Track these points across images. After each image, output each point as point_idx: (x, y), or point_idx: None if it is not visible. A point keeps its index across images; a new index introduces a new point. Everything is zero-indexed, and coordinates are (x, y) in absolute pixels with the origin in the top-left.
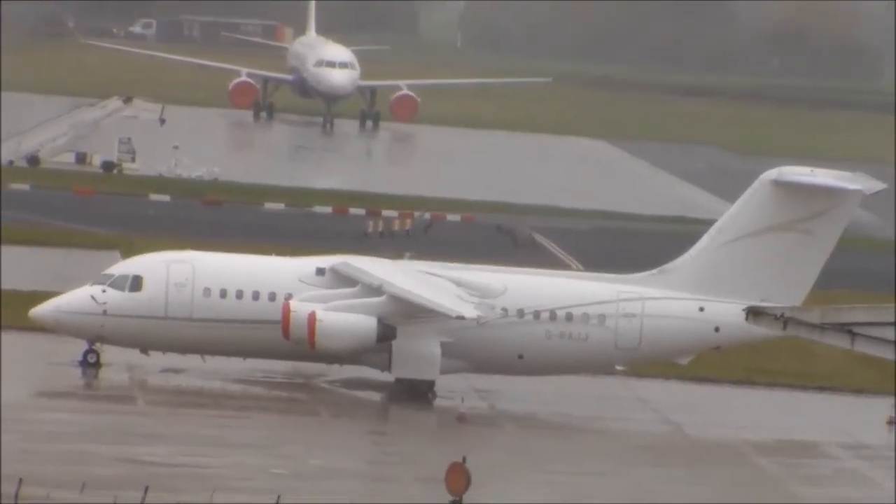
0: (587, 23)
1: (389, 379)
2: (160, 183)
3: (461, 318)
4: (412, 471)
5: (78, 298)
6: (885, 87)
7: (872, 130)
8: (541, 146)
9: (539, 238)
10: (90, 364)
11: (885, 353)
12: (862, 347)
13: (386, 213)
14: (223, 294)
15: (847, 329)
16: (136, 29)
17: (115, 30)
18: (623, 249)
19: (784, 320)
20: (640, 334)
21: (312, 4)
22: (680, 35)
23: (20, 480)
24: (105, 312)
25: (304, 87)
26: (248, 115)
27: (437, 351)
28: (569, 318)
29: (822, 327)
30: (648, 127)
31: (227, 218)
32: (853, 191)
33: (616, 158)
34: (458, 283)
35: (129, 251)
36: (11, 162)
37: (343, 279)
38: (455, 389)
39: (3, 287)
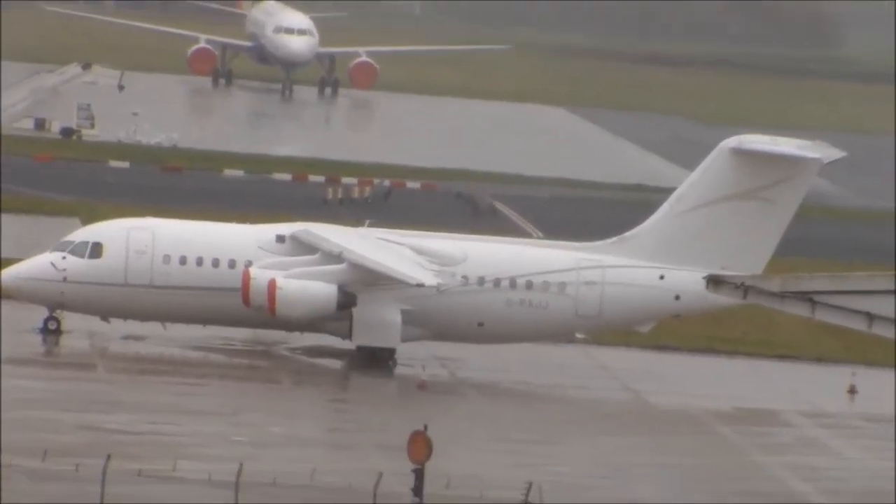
0: None
1: (350, 347)
2: (119, 149)
3: (421, 285)
4: (373, 439)
5: (38, 265)
6: (849, 56)
7: (837, 99)
8: (501, 114)
9: (499, 206)
10: (51, 331)
11: (846, 321)
12: (822, 316)
13: (345, 180)
14: (183, 261)
15: (807, 297)
16: None
17: None
18: (583, 217)
19: (744, 289)
20: (600, 302)
21: None
22: (644, 3)
23: None
24: (65, 279)
25: (262, 54)
26: (206, 81)
27: (398, 319)
28: (529, 286)
29: (783, 296)
30: (610, 95)
31: (186, 185)
32: (812, 159)
33: (576, 127)
34: (419, 251)
35: (89, 218)
36: None
37: (303, 246)
38: (416, 357)
39: None
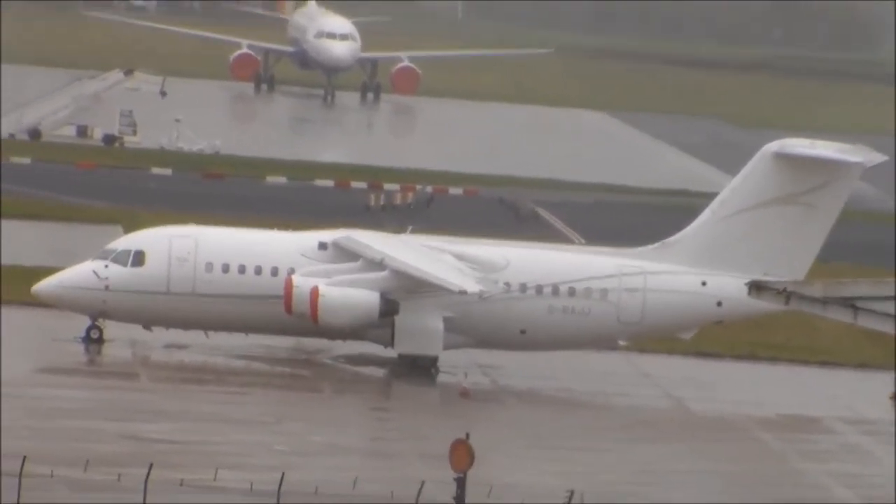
0: None
1: (392, 354)
2: (162, 156)
3: (463, 292)
4: (415, 447)
5: (80, 274)
6: (886, 59)
7: (875, 102)
8: (543, 119)
9: (541, 212)
10: (93, 340)
11: (888, 327)
12: (864, 322)
13: (388, 186)
14: (225, 269)
15: (850, 303)
16: (138, 1)
17: (116, 1)
18: (625, 223)
19: (786, 294)
20: (642, 309)
21: None
22: (683, 6)
23: (24, 458)
24: (107, 288)
25: (304, 59)
26: (249, 87)
27: (440, 326)
28: (571, 292)
29: (825, 301)
30: (651, 99)
31: (228, 192)
32: (854, 163)
33: (618, 131)
34: (461, 258)
35: (131, 226)
36: (12, 135)
37: (345, 253)
38: (458, 365)
39: (5, 262)
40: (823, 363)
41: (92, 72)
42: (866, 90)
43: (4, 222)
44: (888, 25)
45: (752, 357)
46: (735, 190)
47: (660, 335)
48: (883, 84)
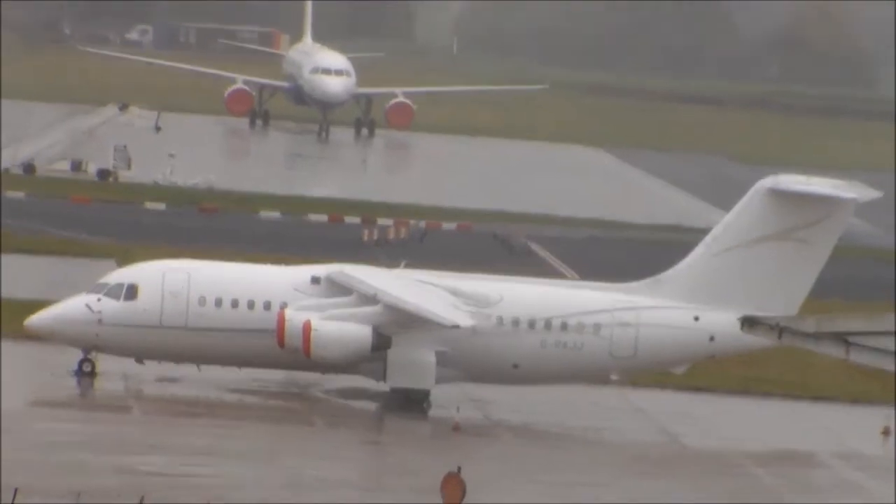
0: (585, 29)
1: (384, 388)
2: (156, 191)
3: (456, 327)
4: (408, 481)
5: (73, 307)
6: (886, 95)
7: (875, 139)
8: (537, 154)
9: (534, 247)
10: (85, 373)
11: (881, 362)
12: (857, 357)
13: (381, 221)
14: (218, 303)
15: (842, 338)
16: (133, 35)
17: (111, 36)
18: (618, 258)
19: (779, 330)
20: (635, 343)
21: (309, 11)
22: (680, 42)
23: (16, 490)
24: (100, 321)
25: (299, 95)
26: (243, 122)
27: (433, 360)
28: (564, 327)
29: (818, 337)
30: (647, 135)
31: (222, 226)
32: (848, 199)
33: (612, 167)
34: (454, 292)
35: (124, 260)
36: (7, 169)
37: (338, 288)
38: (450, 399)
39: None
40: (816, 398)
41: (86, 106)
42: (866, 127)
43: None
44: (888, 62)
45: (745, 392)
46: (729, 226)
47: (653, 370)
48: (883, 121)
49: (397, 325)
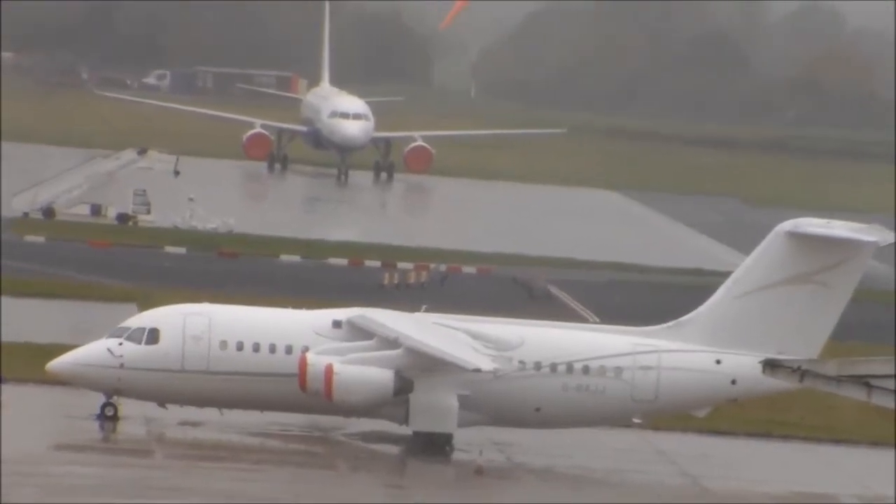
0: (603, 73)
1: (407, 432)
2: (175, 235)
3: (478, 370)
4: None
5: (95, 351)
6: None
7: (892, 182)
8: (556, 198)
9: (555, 290)
10: (108, 417)
11: None
12: (879, 400)
13: (401, 265)
14: (240, 347)
15: (863, 381)
16: (150, 80)
17: (129, 81)
18: (639, 302)
19: (800, 373)
20: (656, 387)
21: (326, 55)
22: (697, 86)
23: None
24: (122, 365)
25: (318, 139)
26: (262, 166)
27: (455, 404)
28: (585, 370)
29: (839, 380)
30: (666, 179)
31: (242, 270)
32: (868, 242)
33: (632, 210)
34: (475, 336)
35: (145, 304)
36: (26, 214)
37: (360, 332)
38: (473, 442)
39: (20, 340)
40: (837, 441)
41: (105, 151)
42: (884, 170)
43: (20, 301)
44: None
45: (766, 435)
46: (749, 269)
47: (674, 413)
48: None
49: (419, 368)
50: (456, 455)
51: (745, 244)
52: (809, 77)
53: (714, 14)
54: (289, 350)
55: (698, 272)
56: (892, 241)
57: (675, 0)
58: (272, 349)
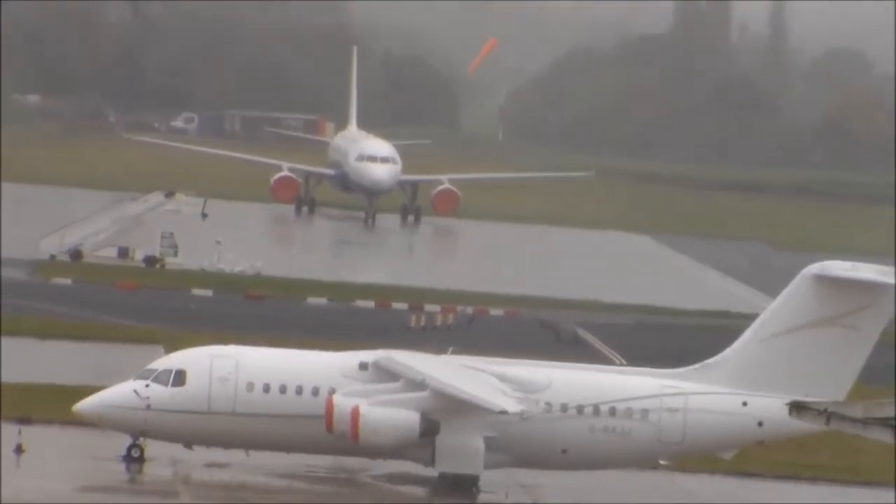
0: (630, 117)
1: (433, 474)
2: (203, 277)
3: (504, 412)
4: None
5: (122, 393)
6: None
7: None
8: (584, 241)
9: (582, 333)
10: (134, 459)
11: None
12: None
13: (428, 307)
14: (266, 389)
15: (890, 424)
16: (178, 123)
17: (156, 124)
18: (666, 344)
19: (827, 415)
20: (683, 429)
21: (354, 98)
22: (724, 130)
23: None
24: (149, 407)
25: (345, 182)
26: (289, 209)
27: (481, 445)
28: (612, 412)
29: (866, 422)
30: (692, 222)
31: (269, 312)
32: (894, 285)
33: (659, 253)
34: (502, 378)
35: (172, 346)
36: (54, 256)
37: (386, 374)
38: (499, 484)
39: (47, 382)
40: (864, 483)
41: (133, 194)
42: None
43: (48, 343)
44: None
45: (793, 477)
46: (776, 311)
47: (701, 455)
48: None
49: (445, 410)
50: (482, 497)
51: (772, 287)
52: (835, 121)
53: (740, 58)
54: (315, 392)
55: (725, 315)
56: None
57: (702, 44)
58: (299, 391)
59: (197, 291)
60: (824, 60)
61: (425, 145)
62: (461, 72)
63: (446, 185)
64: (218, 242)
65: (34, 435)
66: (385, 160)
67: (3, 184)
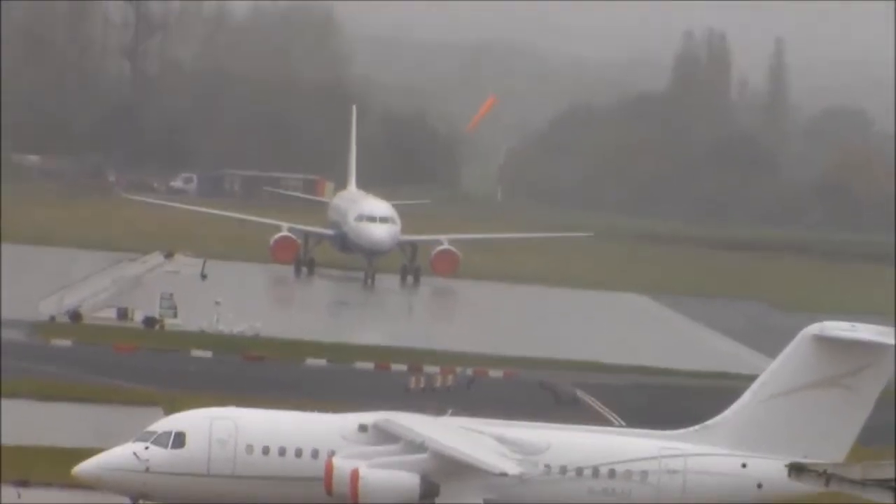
0: (629, 176)
1: None
2: (202, 338)
3: (504, 474)
4: None
5: (121, 455)
6: None
7: None
8: (583, 301)
9: (581, 394)
10: None
11: None
12: None
13: (428, 368)
14: (266, 451)
15: (889, 485)
16: (177, 183)
17: (155, 184)
18: (665, 405)
19: (826, 476)
20: (682, 491)
21: (353, 158)
22: (722, 189)
23: None
24: (148, 469)
25: (345, 242)
26: (289, 269)
27: None
28: (611, 474)
29: (865, 483)
30: (691, 282)
31: (269, 374)
32: (893, 346)
33: (658, 313)
34: (501, 440)
35: (171, 407)
36: (53, 317)
37: (386, 436)
38: None
39: (46, 444)
40: None
41: (132, 254)
42: None
43: (47, 404)
44: None
45: None
46: (775, 372)
47: None
48: None
49: (445, 472)
50: None
51: (771, 347)
52: (835, 180)
53: (739, 116)
54: (315, 454)
55: (724, 375)
56: None
57: (701, 101)
58: (298, 453)
59: (196, 353)
60: (824, 118)
61: (424, 205)
62: (460, 130)
63: (446, 246)
64: (217, 303)
65: (33, 498)
66: (384, 220)
67: (3, 244)
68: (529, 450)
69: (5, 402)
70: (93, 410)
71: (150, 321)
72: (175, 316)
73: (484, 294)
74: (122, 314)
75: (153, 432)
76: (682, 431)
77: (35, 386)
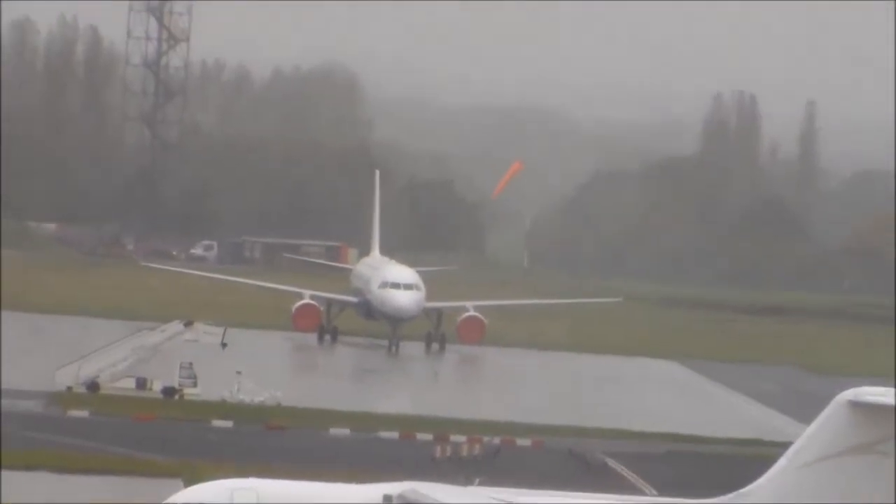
0: (657, 241)
1: None
2: (222, 408)
3: None
4: None
5: None
6: None
7: None
8: (612, 367)
9: (611, 462)
10: None
11: None
12: None
13: (454, 438)
14: None
15: None
16: (197, 251)
17: (175, 252)
18: (697, 473)
19: None
20: None
21: (376, 224)
22: (752, 253)
23: None
24: None
25: (368, 309)
26: (311, 338)
27: None
28: None
29: None
30: (721, 347)
31: (290, 444)
32: None
33: (688, 380)
34: None
35: (191, 479)
36: (70, 388)
37: None
38: None
39: None
40: None
41: (151, 323)
42: None
43: (65, 476)
44: None
45: None
46: (810, 438)
47: None
48: None
49: None
50: None
51: (805, 414)
52: (866, 243)
53: (769, 179)
54: None
55: (757, 442)
56: None
57: (730, 165)
58: None
59: (217, 423)
60: (854, 181)
61: (450, 271)
62: (486, 197)
63: (472, 313)
64: (238, 373)
65: None
66: (409, 287)
67: (20, 313)
68: None
69: (22, 475)
70: (112, 482)
71: (169, 391)
72: (195, 385)
73: (510, 361)
74: (141, 384)
75: None
76: (715, 500)
77: (52, 458)
